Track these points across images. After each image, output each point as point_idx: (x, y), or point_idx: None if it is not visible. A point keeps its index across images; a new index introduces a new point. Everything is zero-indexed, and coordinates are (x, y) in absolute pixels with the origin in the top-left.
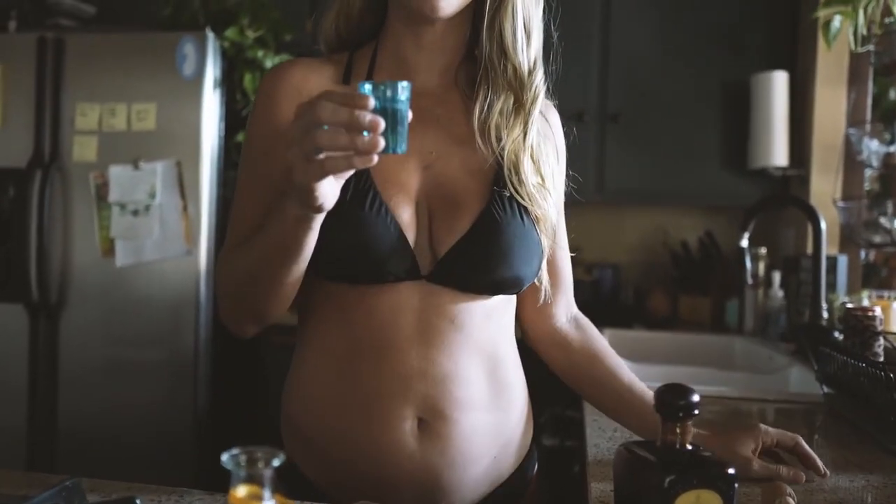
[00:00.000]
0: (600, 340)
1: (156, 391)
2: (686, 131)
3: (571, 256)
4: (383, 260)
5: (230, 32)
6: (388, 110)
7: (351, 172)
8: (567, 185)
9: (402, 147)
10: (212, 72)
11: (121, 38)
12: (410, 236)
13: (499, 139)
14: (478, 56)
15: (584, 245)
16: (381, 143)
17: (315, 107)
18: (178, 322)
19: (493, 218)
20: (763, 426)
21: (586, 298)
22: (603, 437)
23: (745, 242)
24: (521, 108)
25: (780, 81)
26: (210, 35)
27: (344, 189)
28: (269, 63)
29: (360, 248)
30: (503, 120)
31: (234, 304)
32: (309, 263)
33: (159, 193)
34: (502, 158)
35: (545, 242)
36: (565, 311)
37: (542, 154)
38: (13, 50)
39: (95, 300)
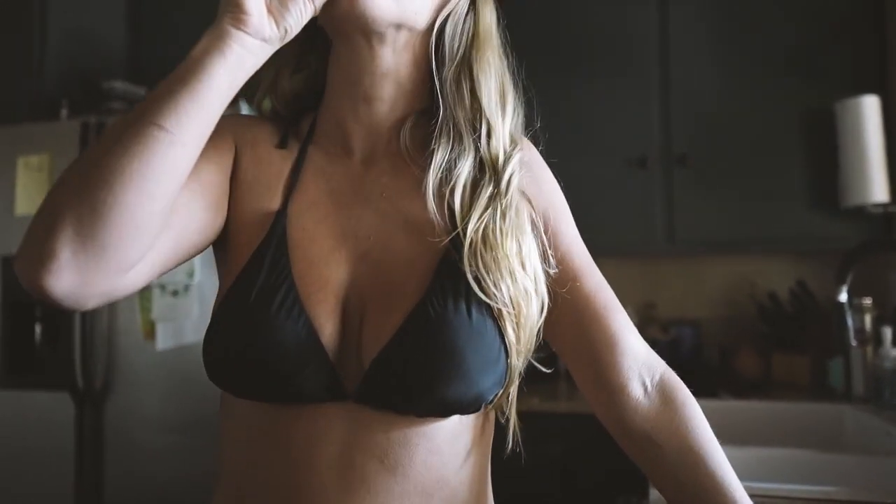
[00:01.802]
0: (699, 426)
1: (201, 474)
2: (765, 169)
3: (648, 311)
4: (290, 374)
5: (265, 102)
6: None
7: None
8: (629, 234)
9: None
10: None
11: None
12: (330, 344)
13: (462, 212)
14: (435, 110)
15: (658, 301)
16: None
17: None
18: (218, 403)
19: (426, 315)
20: None
21: (664, 361)
22: None
23: (843, 297)
24: (492, 170)
25: (870, 107)
26: (244, 107)
27: (253, 279)
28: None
29: (259, 357)
30: (467, 186)
31: (59, 188)
32: (206, 368)
33: (198, 272)
34: (464, 236)
35: (513, 337)
36: (638, 379)
37: (522, 220)
38: (60, 137)
39: (140, 385)
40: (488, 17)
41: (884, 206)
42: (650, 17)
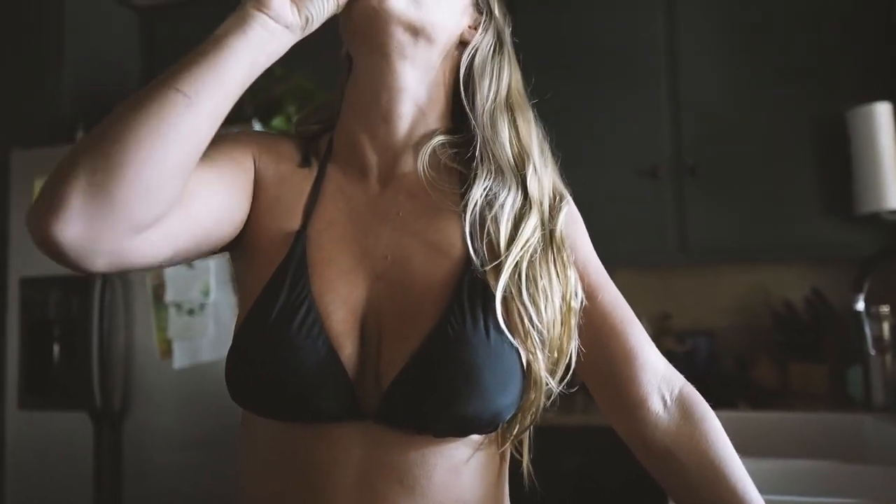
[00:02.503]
0: (718, 440)
1: (220, 493)
2: (776, 177)
3: (663, 322)
4: (310, 393)
5: (277, 122)
6: None
7: None
8: (642, 245)
9: None
10: None
11: None
12: (349, 363)
13: (507, 241)
14: (473, 140)
15: (673, 311)
16: None
17: None
18: (236, 420)
19: (445, 334)
20: None
21: (680, 372)
22: None
23: (860, 305)
24: (538, 207)
25: (883, 114)
26: (257, 126)
27: (273, 299)
28: None
29: (279, 375)
30: (512, 218)
31: (81, 144)
32: (228, 387)
33: (213, 291)
34: (505, 263)
35: (529, 356)
36: (657, 393)
37: (560, 257)
38: None
39: (157, 404)
40: (515, 70)
41: None
42: (658, 27)
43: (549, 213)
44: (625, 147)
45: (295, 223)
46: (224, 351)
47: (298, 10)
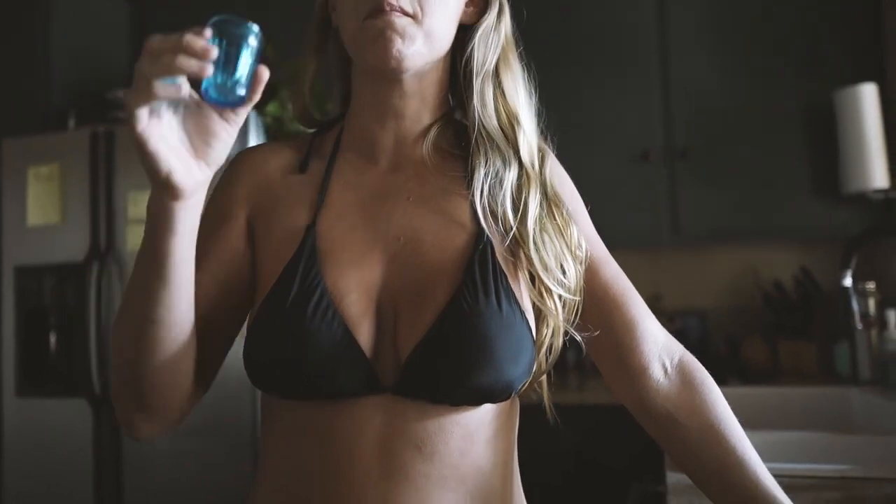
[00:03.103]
0: (717, 404)
1: (218, 478)
2: (766, 160)
3: (654, 303)
4: (330, 374)
5: (271, 107)
6: (227, 49)
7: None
8: (635, 227)
9: (241, 92)
10: None
11: None
12: (366, 341)
13: (515, 214)
14: (469, 124)
15: (665, 292)
16: (210, 69)
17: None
18: (236, 406)
19: (459, 308)
20: None
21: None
22: None
23: (848, 281)
24: (534, 173)
25: (868, 95)
26: (251, 112)
27: (287, 289)
28: None
29: (298, 359)
30: (513, 191)
31: (115, 379)
32: (248, 374)
33: None
34: (523, 235)
35: (549, 330)
36: (658, 361)
37: (561, 213)
38: (69, 147)
39: None
40: (510, 23)
41: (884, 191)
42: (649, 12)
43: (539, 170)
44: (617, 131)
45: (303, 220)
46: None
47: (207, 163)
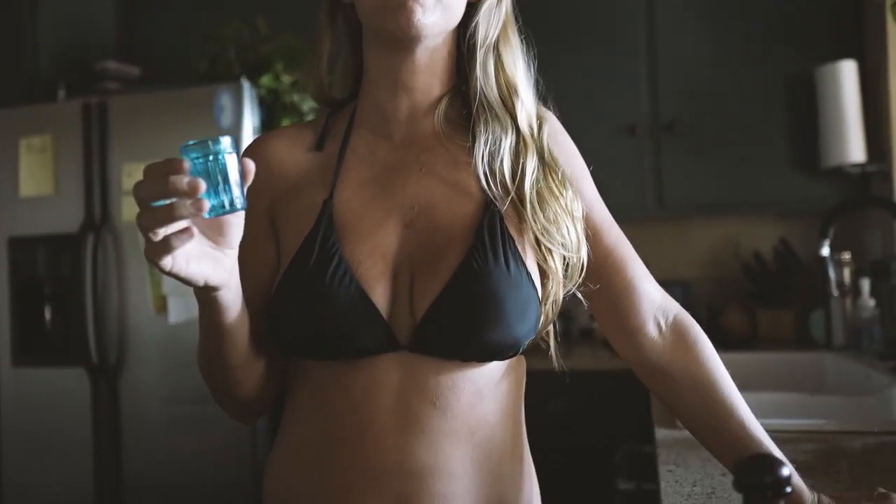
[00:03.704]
0: (709, 358)
1: (216, 444)
2: (749, 134)
3: None
4: (349, 333)
5: (265, 80)
6: (209, 169)
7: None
8: (621, 200)
9: (239, 202)
10: (250, 120)
11: (160, 96)
12: (381, 303)
13: (513, 178)
14: (470, 95)
15: (648, 263)
16: (206, 205)
17: (135, 184)
18: None
19: (471, 269)
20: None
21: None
22: (681, 493)
23: (825, 251)
24: (531, 139)
25: (848, 71)
26: (246, 84)
27: (307, 258)
28: (306, 107)
29: (319, 321)
30: (511, 157)
31: (210, 389)
32: (273, 339)
33: None
34: (521, 198)
35: (553, 287)
36: (653, 321)
37: (556, 177)
38: (61, 118)
39: (153, 359)
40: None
41: (861, 165)
42: None
43: (538, 134)
44: (604, 106)
45: (321, 195)
46: None
47: (230, 248)
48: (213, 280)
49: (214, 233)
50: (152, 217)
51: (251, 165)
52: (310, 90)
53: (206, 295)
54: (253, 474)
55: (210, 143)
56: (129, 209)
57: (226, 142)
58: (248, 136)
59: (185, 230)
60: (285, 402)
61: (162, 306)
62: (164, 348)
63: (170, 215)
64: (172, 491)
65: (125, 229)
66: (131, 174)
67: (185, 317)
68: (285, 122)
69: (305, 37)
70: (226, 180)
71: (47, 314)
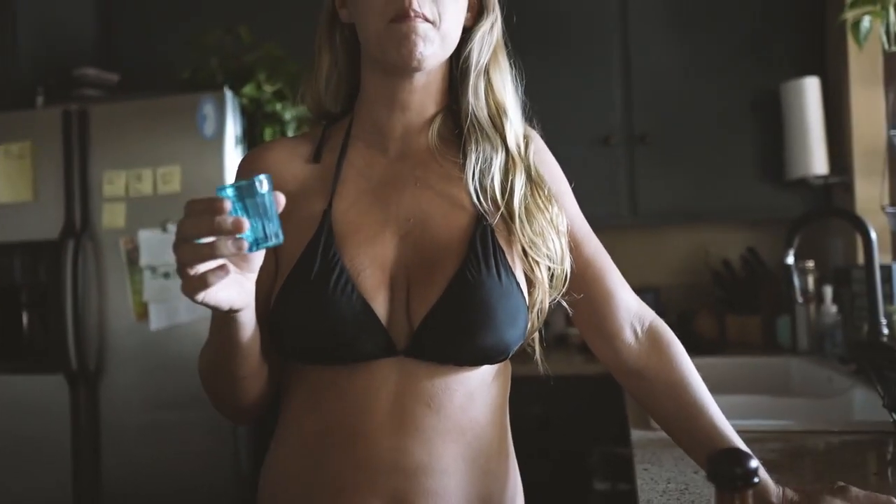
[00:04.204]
0: (681, 362)
1: (197, 450)
2: (718, 146)
3: None
4: (350, 340)
5: (248, 89)
6: (250, 207)
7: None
8: (596, 209)
9: (279, 237)
10: (232, 129)
11: (142, 104)
12: (381, 311)
13: (503, 195)
14: (462, 114)
15: (622, 270)
16: (246, 245)
17: (179, 223)
18: None
19: (465, 279)
20: (854, 489)
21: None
22: (656, 490)
23: (790, 259)
24: (519, 157)
25: (811, 87)
26: (228, 94)
27: (309, 266)
28: (288, 115)
29: (322, 328)
30: (501, 174)
31: (210, 396)
32: (274, 344)
33: None
34: (510, 213)
35: (539, 295)
36: (630, 327)
37: (542, 193)
38: (40, 125)
39: (133, 365)
40: (500, 26)
41: (824, 177)
42: (611, 1)
43: (524, 153)
44: (580, 117)
45: (319, 206)
46: (201, 311)
47: (251, 272)
48: (238, 304)
49: (240, 259)
50: (194, 253)
51: (282, 199)
52: (307, 103)
53: (227, 315)
54: (234, 480)
55: (249, 184)
56: (109, 216)
57: (267, 181)
58: (230, 145)
59: (222, 267)
60: (280, 404)
61: (143, 313)
62: (144, 355)
63: (211, 254)
64: (152, 498)
65: (105, 236)
66: (112, 181)
67: (167, 323)
68: (268, 132)
69: (288, 45)
70: (265, 215)
71: (25, 321)
